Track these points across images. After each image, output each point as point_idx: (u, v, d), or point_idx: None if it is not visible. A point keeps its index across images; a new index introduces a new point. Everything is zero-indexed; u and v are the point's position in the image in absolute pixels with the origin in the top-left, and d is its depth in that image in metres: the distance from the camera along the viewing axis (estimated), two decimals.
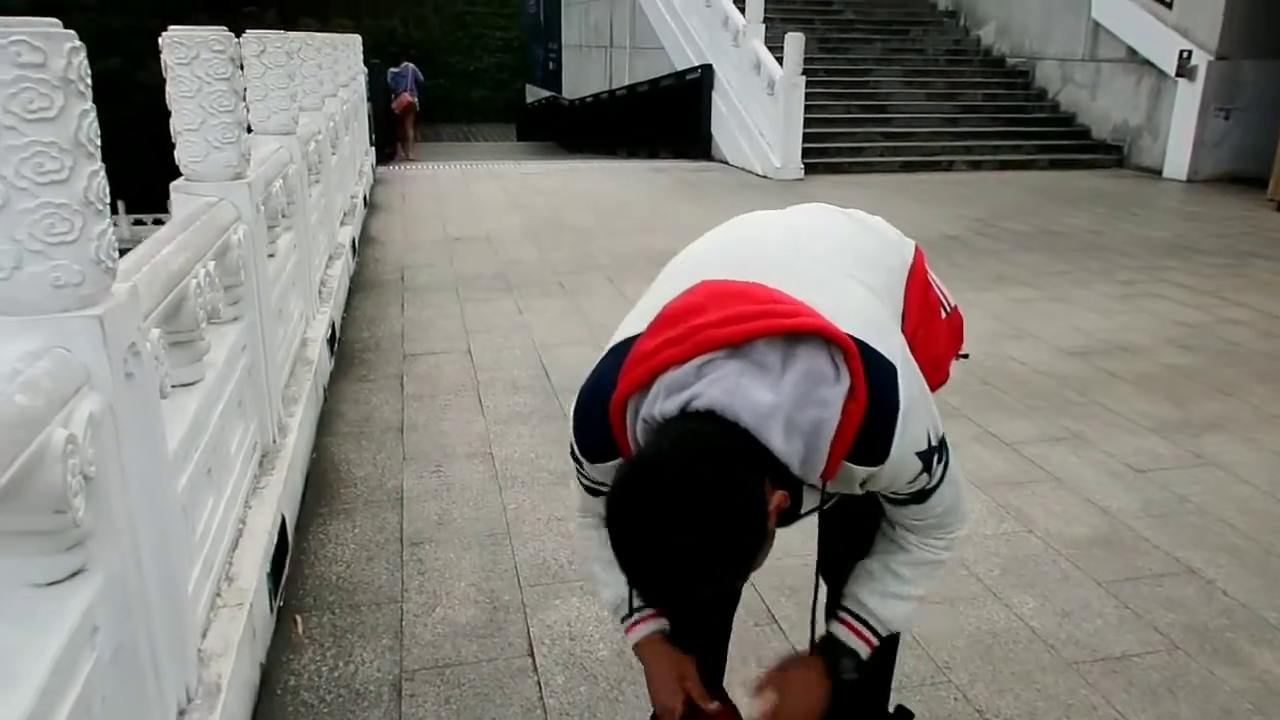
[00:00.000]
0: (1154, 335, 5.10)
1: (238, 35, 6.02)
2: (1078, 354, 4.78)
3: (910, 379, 1.24)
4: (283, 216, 3.79)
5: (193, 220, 2.45)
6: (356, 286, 6.06)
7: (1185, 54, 10.92)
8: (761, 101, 11.49)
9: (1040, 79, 13.73)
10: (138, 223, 28.89)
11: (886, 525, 1.47)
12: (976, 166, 11.80)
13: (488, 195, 9.93)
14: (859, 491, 1.31)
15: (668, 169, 11.97)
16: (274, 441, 3.05)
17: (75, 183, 1.39)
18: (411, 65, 17.83)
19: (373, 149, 11.89)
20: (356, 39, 11.31)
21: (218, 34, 2.69)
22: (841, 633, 1.46)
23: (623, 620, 1.55)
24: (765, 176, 11.10)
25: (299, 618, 2.51)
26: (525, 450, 3.59)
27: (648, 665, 1.54)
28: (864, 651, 1.45)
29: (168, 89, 2.69)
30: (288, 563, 2.74)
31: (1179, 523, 3.06)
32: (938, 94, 13.40)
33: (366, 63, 13.03)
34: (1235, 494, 3.27)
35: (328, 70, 6.52)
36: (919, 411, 1.25)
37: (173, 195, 2.80)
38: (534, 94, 32.85)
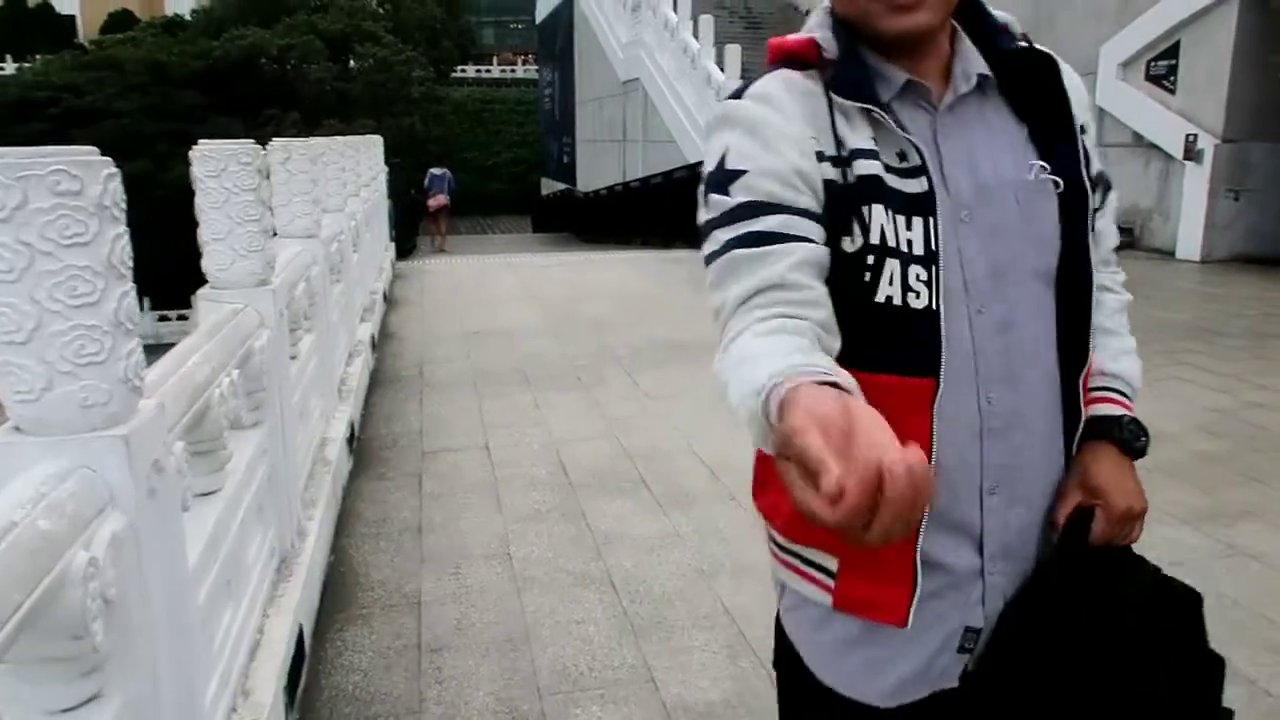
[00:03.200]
0: (1181, 421, 5.04)
1: (261, 137, 6.21)
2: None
3: None
4: (305, 319, 3.84)
5: (218, 329, 2.49)
6: (375, 383, 6.10)
7: (1191, 138, 11.07)
8: None
9: None
10: (162, 319, 29.41)
11: None
12: None
13: (505, 288, 10.07)
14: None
15: (682, 259, 12.12)
16: (292, 546, 3.04)
17: (106, 304, 1.43)
18: (446, 170, 19.63)
19: (393, 245, 12.13)
20: (378, 140, 11.66)
21: (246, 147, 2.78)
22: (1106, 410, 1.27)
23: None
24: None
25: None
26: (543, 550, 3.56)
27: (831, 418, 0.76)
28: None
29: (196, 200, 2.78)
30: (304, 673, 2.70)
31: (1217, 619, 2.94)
32: None
33: (387, 161, 13.42)
34: (1272, 586, 3.18)
35: (350, 172, 6.70)
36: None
37: (199, 303, 2.85)
38: (549, 186, 33.61)
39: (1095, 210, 1.22)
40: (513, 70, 56.66)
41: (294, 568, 2.94)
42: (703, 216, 1.12)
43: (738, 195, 1.07)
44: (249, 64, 31.27)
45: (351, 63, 34.10)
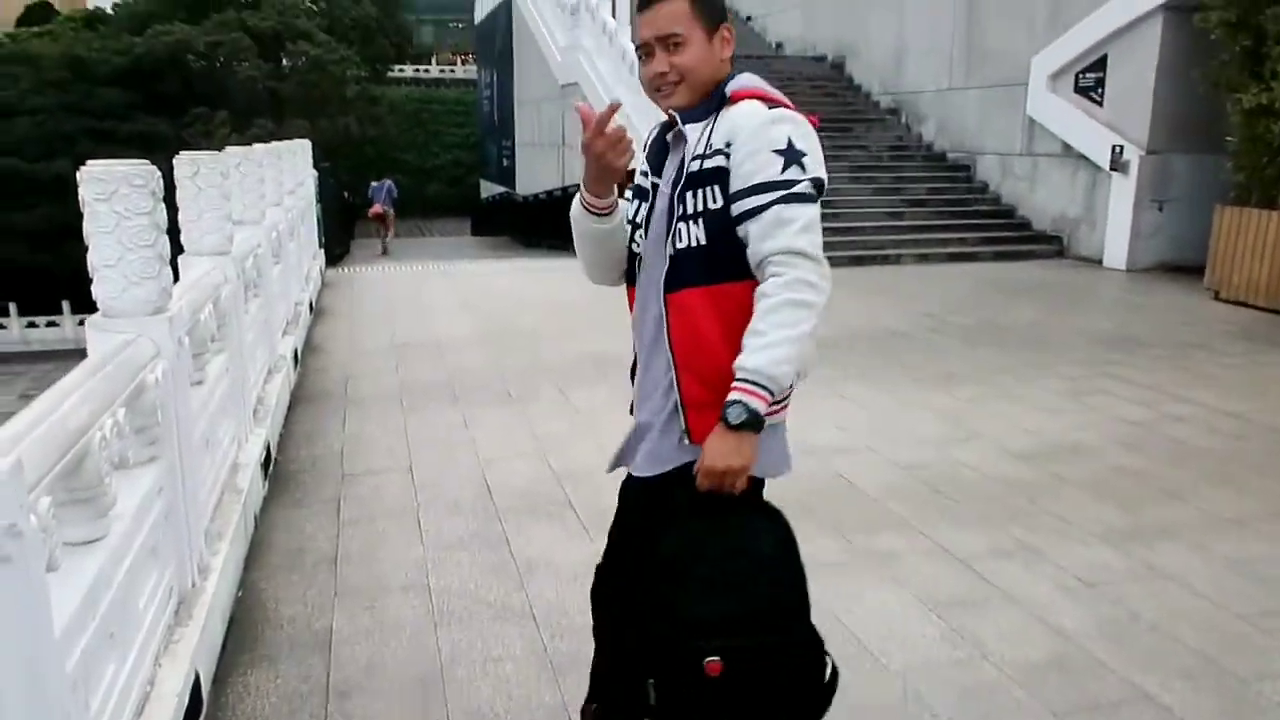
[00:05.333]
0: (1101, 435, 5.12)
1: (189, 137, 5.94)
2: (1026, 457, 4.77)
3: (801, 124, 1.80)
4: (212, 341, 3.68)
5: (103, 364, 2.35)
6: (297, 400, 5.92)
7: (1118, 149, 11.34)
8: None
9: (981, 173, 14.17)
10: (30, 325, 28.50)
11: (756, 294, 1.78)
12: (924, 260, 12.05)
13: (439, 297, 9.90)
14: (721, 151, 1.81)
15: None
16: (193, 585, 2.89)
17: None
18: (389, 181, 22.95)
19: (322, 252, 11.85)
20: (305, 144, 11.37)
21: (138, 168, 2.63)
22: (730, 395, 1.72)
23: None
24: None
25: None
26: (464, 581, 3.45)
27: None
28: (750, 401, 1.70)
29: (85, 225, 2.62)
30: None
31: (1133, 643, 2.99)
32: (884, 189, 13.76)
33: (318, 165, 13.12)
34: (1188, 608, 3.22)
35: (270, 181, 6.50)
36: (789, 130, 1.77)
37: (89, 332, 2.69)
38: (488, 189, 33.31)
39: (734, 221, 1.79)
40: (452, 70, 56.03)
41: (194, 609, 2.80)
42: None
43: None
44: (175, 61, 30.46)
45: (284, 61, 33.39)
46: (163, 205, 2.75)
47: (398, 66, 49.28)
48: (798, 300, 1.71)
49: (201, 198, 4.03)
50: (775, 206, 1.73)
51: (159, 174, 2.71)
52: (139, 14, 35.21)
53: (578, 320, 8.45)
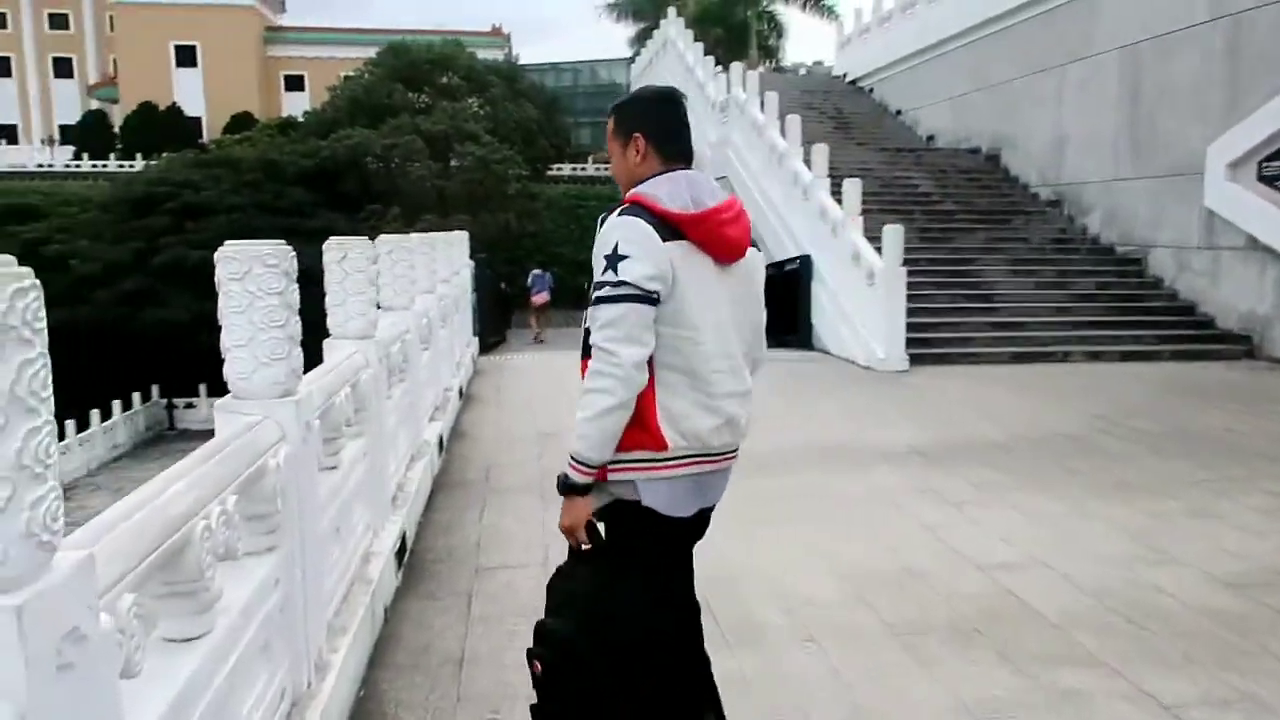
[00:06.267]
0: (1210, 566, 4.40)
1: (363, 232, 6.19)
2: (1234, 585, 4.13)
3: (634, 228, 2.11)
4: (348, 425, 3.63)
5: (222, 447, 2.26)
6: (439, 486, 5.87)
7: None
8: (862, 292, 11.33)
9: (1154, 267, 13.24)
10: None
11: None
12: (1095, 358, 11.21)
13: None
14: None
15: (768, 360, 11.78)
16: (309, 686, 2.74)
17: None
18: (548, 272, 24.69)
19: (476, 339, 12.12)
20: (463, 235, 11.77)
21: (272, 248, 2.60)
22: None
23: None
24: (869, 368, 10.76)
25: None
26: None
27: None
28: (569, 472, 2.20)
29: (220, 303, 2.59)
30: None
31: None
32: (1046, 283, 13.03)
33: (474, 255, 13.55)
34: None
35: (422, 269, 6.63)
36: (618, 235, 2.10)
37: (216, 414, 2.64)
38: None
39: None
40: (607, 168, 58.02)
41: (307, 712, 2.63)
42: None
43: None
44: (354, 162, 32.70)
45: (452, 161, 35.35)
46: (296, 287, 2.69)
47: (556, 165, 51.40)
48: (590, 388, 2.10)
49: (348, 282, 4.05)
50: (593, 304, 2.12)
51: (293, 254, 2.67)
52: (325, 120, 38.23)
53: None
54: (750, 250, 2.30)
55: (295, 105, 55.55)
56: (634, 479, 2.18)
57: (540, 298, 23.17)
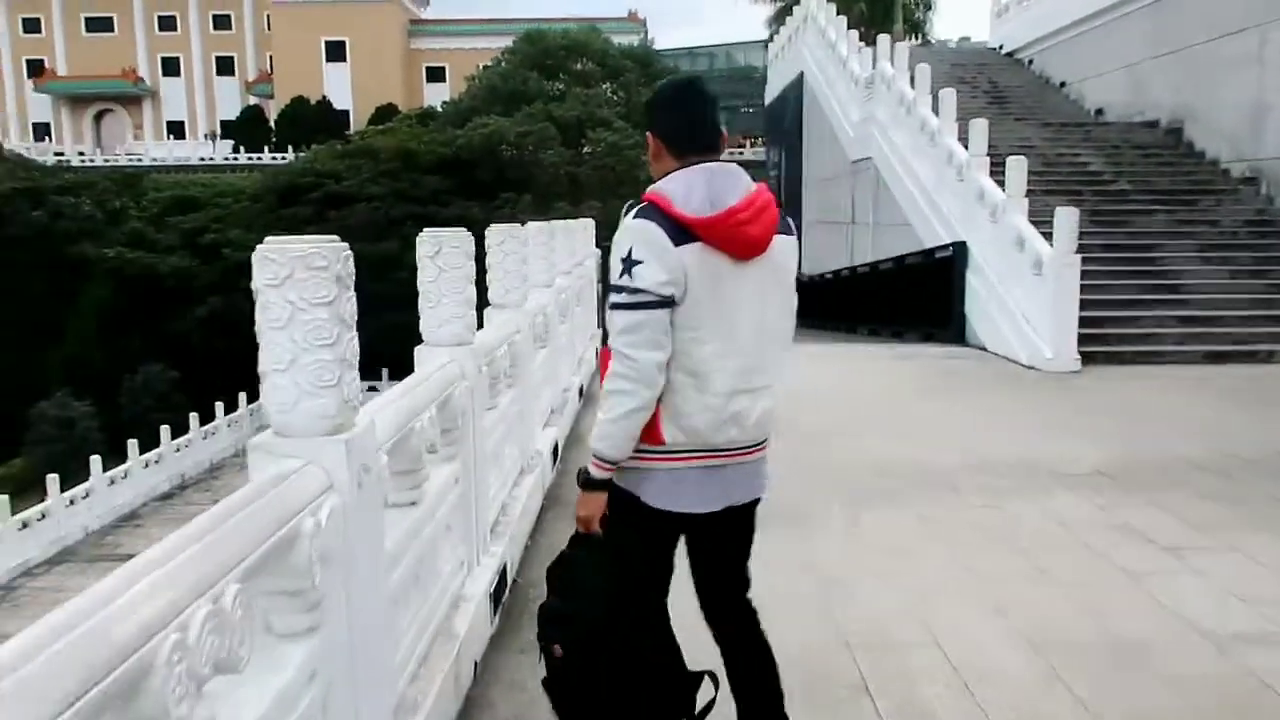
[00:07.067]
0: None
1: (497, 219, 5.88)
2: None
3: (647, 233, 2.14)
4: (431, 452, 3.07)
5: (246, 503, 1.70)
6: (552, 501, 5.30)
7: None
8: (1026, 282, 10.19)
9: None
10: (371, 389, 31.13)
11: None
12: None
13: None
14: None
15: (914, 355, 10.80)
16: None
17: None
18: None
19: (600, 332, 11.60)
20: (588, 222, 11.26)
21: (320, 246, 2.01)
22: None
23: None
24: (1032, 367, 9.63)
25: None
26: None
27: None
28: (590, 468, 2.25)
29: (256, 317, 2.04)
30: None
31: None
32: (1243, 271, 11.49)
33: (601, 244, 13.03)
34: None
35: (537, 260, 6.07)
36: (631, 239, 2.15)
37: (249, 455, 2.10)
38: None
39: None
40: (740, 152, 56.95)
41: None
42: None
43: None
44: (489, 150, 32.95)
45: (584, 148, 35.18)
46: (352, 294, 2.13)
47: None
48: (612, 390, 2.17)
49: (443, 280, 3.49)
50: (610, 308, 2.17)
51: (347, 254, 2.09)
52: (462, 110, 38.75)
53: (868, 420, 7.37)
54: (779, 239, 2.26)
55: (436, 96, 56.74)
56: (633, 468, 2.26)
57: None
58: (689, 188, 2.14)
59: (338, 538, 2.06)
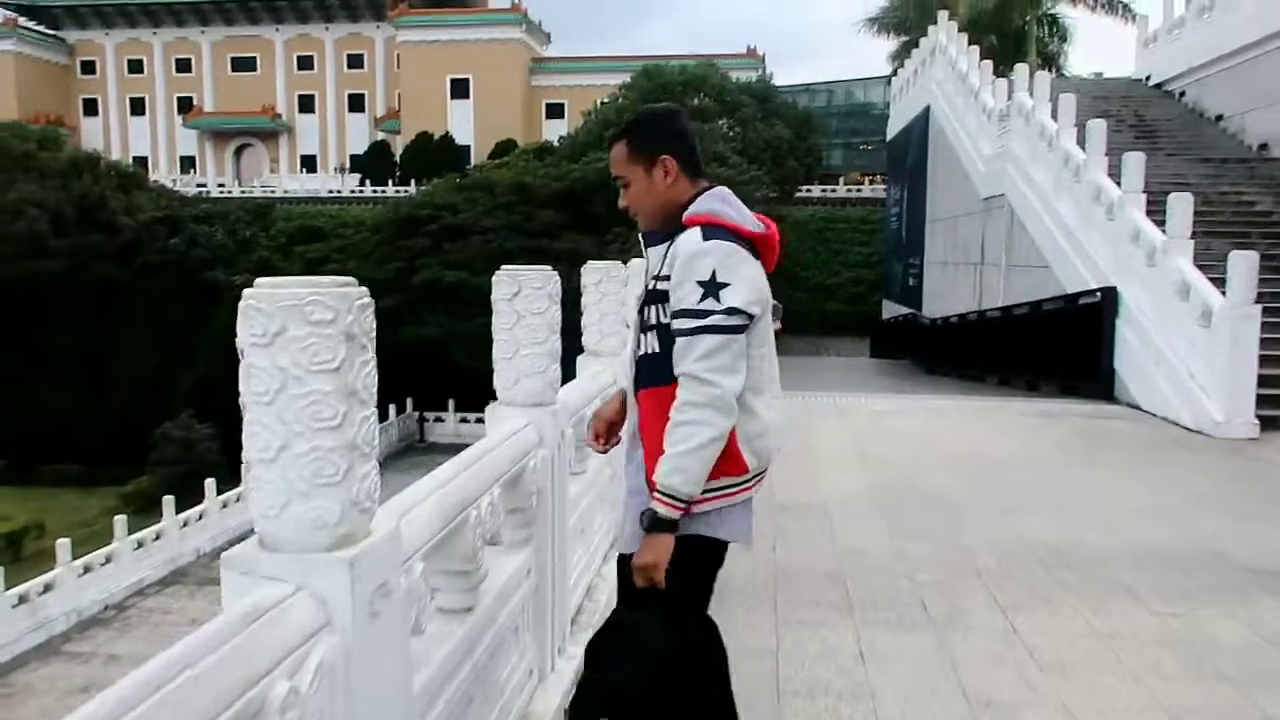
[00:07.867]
0: None
1: (606, 255, 6.48)
2: None
3: (732, 254, 2.10)
4: (492, 544, 2.47)
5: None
6: None
7: None
8: (1190, 334, 9.06)
9: None
10: (463, 420, 31.66)
11: None
12: None
13: (830, 441, 8.35)
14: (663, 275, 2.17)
15: (1056, 413, 9.72)
16: None
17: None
18: (774, 301, 24.46)
19: None
20: None
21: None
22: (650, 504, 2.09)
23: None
24: (1198, 431, 8.49)
25: None
26: None
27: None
28: (657, 508, 2.05)
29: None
30: None
31: None
32: None
33: None
34: None
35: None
36: (715, 262, 2.06)
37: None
38: (890, 310, 31.70)
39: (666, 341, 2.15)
40: (859, 190, 55.66)
41: None
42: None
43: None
44: (603, 184, 32.89)
45: None
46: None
47: (805, 186, 49.94)
48: (682, 420, 2.05)
49: (520, 328, 2.92)
50: (687, 334, 2.07)
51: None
52: (579, 144, 38.95)
53: (1008, 488, 6.48)
54: None
55: (554, 131, 57.52)
56: (714, 508, 2.14)
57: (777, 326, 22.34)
58: (734, 207, 2.19)
59: (333, 698, 1.48)
